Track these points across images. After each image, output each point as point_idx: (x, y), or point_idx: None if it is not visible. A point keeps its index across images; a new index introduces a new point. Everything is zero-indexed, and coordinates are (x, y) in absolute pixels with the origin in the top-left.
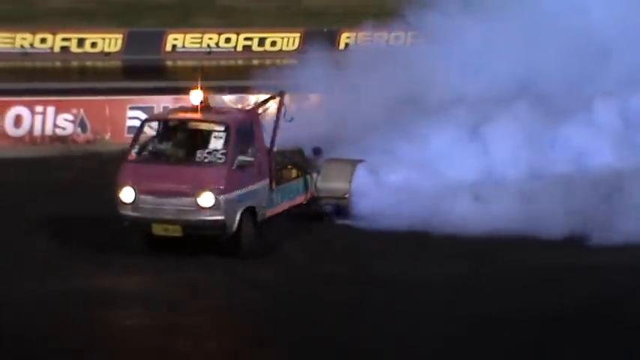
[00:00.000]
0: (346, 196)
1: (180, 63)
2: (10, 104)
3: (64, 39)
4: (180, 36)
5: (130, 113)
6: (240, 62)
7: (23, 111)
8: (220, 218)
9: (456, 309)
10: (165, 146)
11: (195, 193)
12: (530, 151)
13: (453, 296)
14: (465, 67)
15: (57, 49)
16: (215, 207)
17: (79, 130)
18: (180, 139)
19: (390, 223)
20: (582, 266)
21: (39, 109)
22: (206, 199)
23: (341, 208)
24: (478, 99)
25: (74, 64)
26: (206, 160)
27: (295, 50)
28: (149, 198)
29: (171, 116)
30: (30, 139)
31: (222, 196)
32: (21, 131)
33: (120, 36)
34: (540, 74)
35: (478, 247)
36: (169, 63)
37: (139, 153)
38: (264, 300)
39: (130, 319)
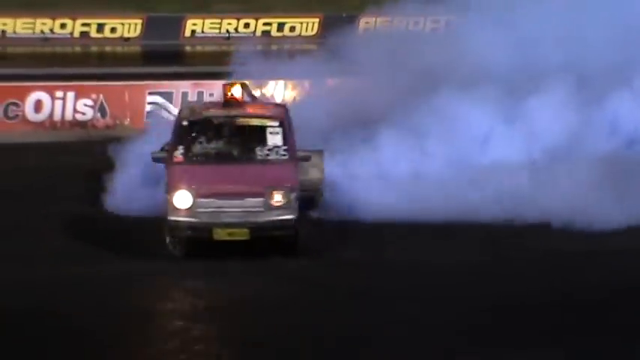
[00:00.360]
0: (320, 186)
1: (199, 48)
2: (30, 89)
3: (83, 24)
4: (199, 21)
5: (150, 98)
6: (259, 48)
7: (43, 96)
8: (291, 217)
9: (481, 293)
10: (215, 145)
11: (266, 193)
12: (574, 129)
13: (479, 282)
14: (509, 47)
15: (76, 34)
16: (286, 206)
17: (98, 115)
18: (231, 137)
19: (375, 213)
20: (608, 252)
21: (59, 94)
22: (279, 197)
23: (312, 199)
24: (516, 78)
25: (94, 49)
26: (269, 158)
27: (314, 36)
28: (210, 201)
29: (215, 113)
30: (50, 124)
31: (292, 194)
32: (41, 116)
33: (139, 21)
34: (583, 56)
35: (498, 233)
36: (188, 48)
37: (185, 154)
38: (294, 289)
39: (154, 304)
